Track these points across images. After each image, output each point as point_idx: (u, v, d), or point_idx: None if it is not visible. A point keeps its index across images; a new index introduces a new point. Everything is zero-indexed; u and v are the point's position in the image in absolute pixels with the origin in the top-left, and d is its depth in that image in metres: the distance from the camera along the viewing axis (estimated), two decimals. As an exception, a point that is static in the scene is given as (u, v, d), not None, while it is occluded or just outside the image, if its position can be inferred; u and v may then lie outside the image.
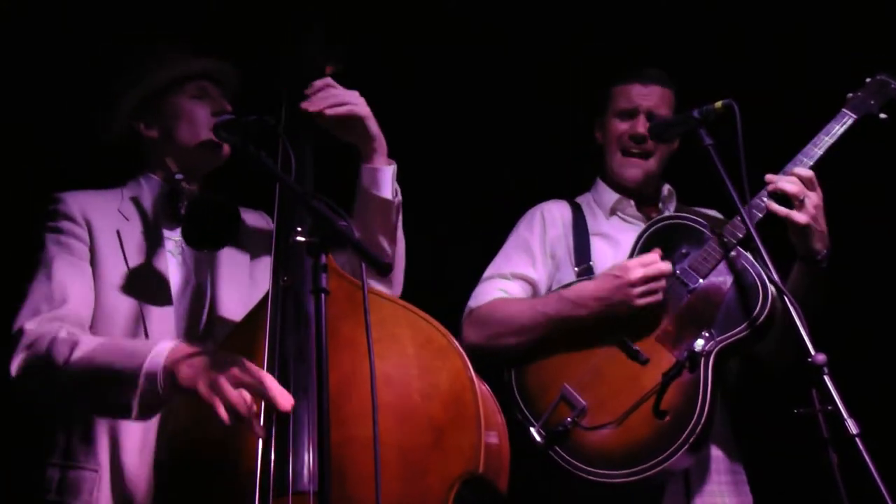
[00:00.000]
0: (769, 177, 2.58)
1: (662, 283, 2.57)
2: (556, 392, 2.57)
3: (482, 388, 1.99)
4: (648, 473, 2.43)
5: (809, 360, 2.14)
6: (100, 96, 2.52)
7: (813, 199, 2.53)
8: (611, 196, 2.99)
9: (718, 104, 2.53)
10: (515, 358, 2.68)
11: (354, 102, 2.26)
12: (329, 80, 2.29)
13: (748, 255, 2.60)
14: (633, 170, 2.93)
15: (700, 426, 2.44)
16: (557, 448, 2.50)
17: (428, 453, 1.90)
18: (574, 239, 2.90)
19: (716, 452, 2.67)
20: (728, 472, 2.67)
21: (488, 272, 2.89)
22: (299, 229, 2.07)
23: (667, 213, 2.90)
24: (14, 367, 2.07)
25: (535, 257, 2.88)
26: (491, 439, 1.95)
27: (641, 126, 2.90)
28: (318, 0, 2.43)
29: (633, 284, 2.55)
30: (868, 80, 2.73)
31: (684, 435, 2.43)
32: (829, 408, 2.09)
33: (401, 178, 2.35)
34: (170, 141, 2.44)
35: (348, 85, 2.30)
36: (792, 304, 2.23)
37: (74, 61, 3.12)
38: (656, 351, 2.57)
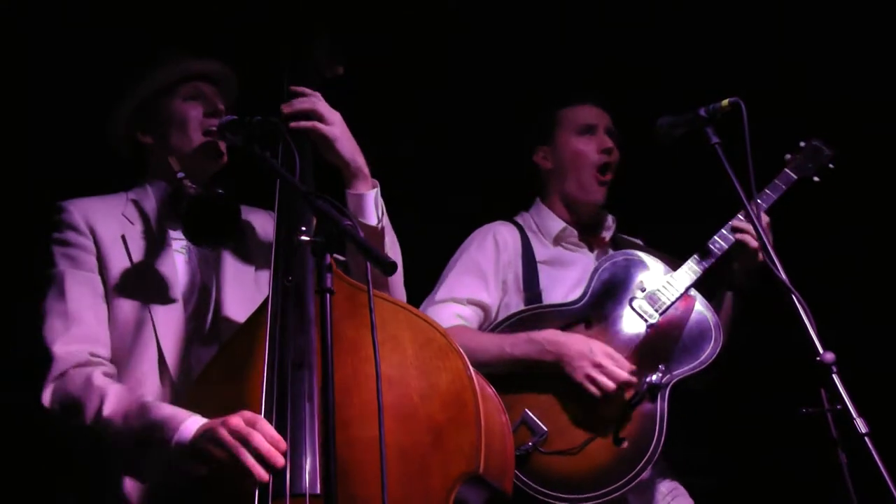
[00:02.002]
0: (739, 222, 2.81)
1: (611, 385, 2.60)
2: (516, 416, 2.60)
3: (486, 388, 1.99)
4: (608, 498, 2.53)
5: (818, 359, 2.13)
6: (100, 105, 2.52)
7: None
8: (555, 224, 3.01)
9: (725, 102, 2.52)
10: None
11: (325, 122, 2.22)
12: (318, 94, 2.26)
13: (699, 295, 2.79)
14: (599, 192, 2.98)
15: (658, 453, 2.57)
16: (518, 472, 2.51)
17: (428, 454, 1.89)
18: (523, 266, 2.92)
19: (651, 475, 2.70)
20: (666, 493, 2.76)
21: (441, 294, 2.87)
22: (304, 229, 2.05)
23: (619, 249, 2.97)
24: (47, 398, 2.09)
25: (488, 281, 2.88)
26: (493, 440, 1.94)
27: (608, 141, 2.98)
28: (321, 3, 2.43)
29: (595, 367, 2.60)
30: (802, 143, 3.00)
31: (643, 461, 2.55)
32: (839, 407, 2.08)
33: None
34: (165, 145, 2.43)
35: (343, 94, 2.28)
36: (800, 302, 2.23)
37: (75, 65, 3.11)
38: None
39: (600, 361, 2.60)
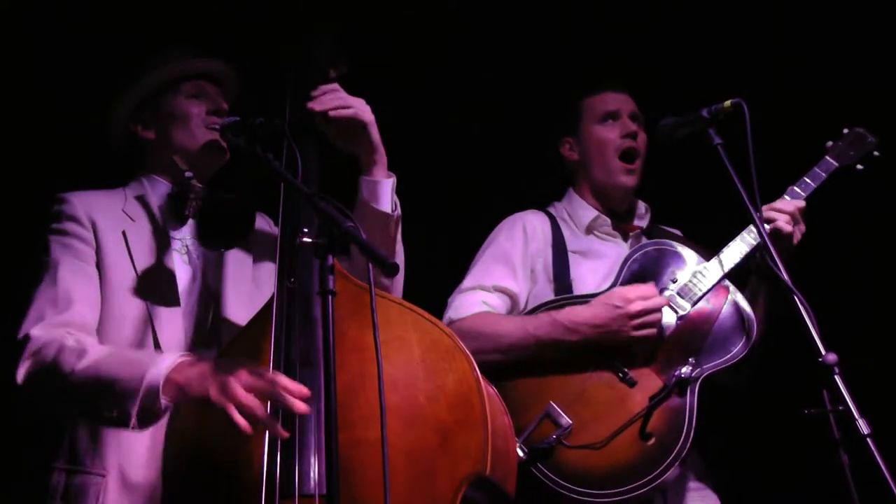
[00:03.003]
0: (777, 205, 2.72)
1: (659, 316, 2.59)
2: (540, 408, 2.56)
3: (489, 389, 1.99)
4: (632, 495, 2.46)
5: (820, 360, 2.13)
6: (99, 98, 2.52)
7: (802, 229, 2.73)
8: (587, 213, 2.97)
9: (727, 103, 2.51)
10: (499, 371, 2.61)
11: (359, 108, 2.24)
12: (336, 85, 2.27)
13: (734, 287, 2.69)
14: (629, 178, 2.93)
15: (685, 450, 2.49)
16: (540, 465, 2.50)
17: (434, 455, 1.89)
18: (553, 255, 2.88)
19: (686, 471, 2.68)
20: (696, 479, 2.71)
21: (468, 282, 2.85)
22: (306, 230, 2.05)
23: (641, 233, 2.93)
24: (21, 374, 2.05)
25: (517, 270, 2.85)
26: (498, 441, 1.94)
27: (632, 125, 2.93)
28: (325, 4, 2.43)
29: (632, 316, 2.57)
30: (846, 131, 2.90)
31: (669, 458, 2.48)
32: (841, 408, 2.08)
33: (402, 182, 2.34)
34: (167, 142, 2.43)
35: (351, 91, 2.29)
36: (803, 304, 2.23)
37: (75, 65, 3.11)
38: (644, 374, 2.60)
39: (634, 309, 2.56)
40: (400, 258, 2.37)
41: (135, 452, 2.14)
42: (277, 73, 2.38)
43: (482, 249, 2.93)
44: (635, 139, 2.93)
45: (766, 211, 2.70)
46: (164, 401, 1.91)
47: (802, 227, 2.74)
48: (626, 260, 2.77)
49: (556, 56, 3.68)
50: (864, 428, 2.04)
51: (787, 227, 2.68)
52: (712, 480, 2.75)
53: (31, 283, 2.20)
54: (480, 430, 1.89)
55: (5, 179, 3.12)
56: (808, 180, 2.81)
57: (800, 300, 2.24)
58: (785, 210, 2.71)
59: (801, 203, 2.75)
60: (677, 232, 2.97)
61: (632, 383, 2.58)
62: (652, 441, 2.50)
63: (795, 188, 2.80)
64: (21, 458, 2.50)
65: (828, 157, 2.85)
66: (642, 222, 2.99)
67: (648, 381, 2.58)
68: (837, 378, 2.10)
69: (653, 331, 2.58)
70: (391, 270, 1.78)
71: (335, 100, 2.23)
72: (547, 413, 2.55)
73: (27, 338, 2.09)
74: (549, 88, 3.66)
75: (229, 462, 1.93)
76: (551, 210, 3.03)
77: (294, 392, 1.85)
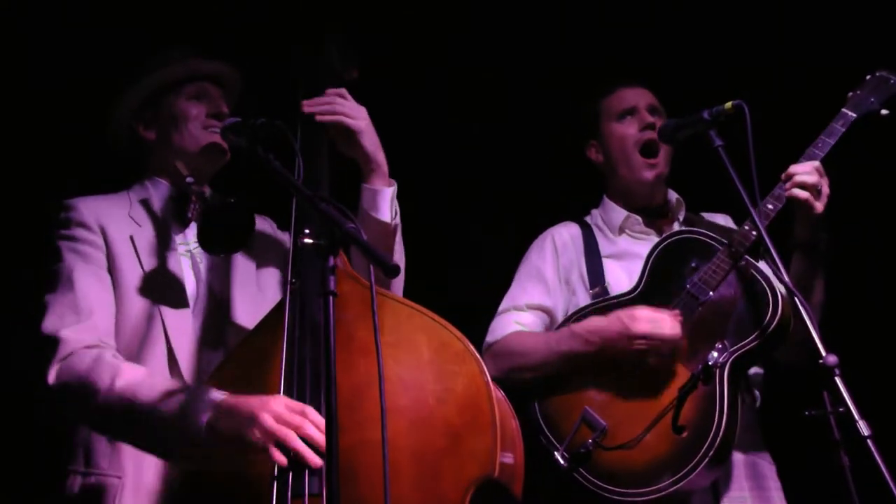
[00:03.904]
0: (791, 169, 2.57)
1: (660, 343, 2.54)
2: (577, 415, 2.57)
3: (498, 393, 1.99)
4: (670, 490, 2.42)
5: (821, 361, 2.13)
6: (100, 98, 2.52)
7: (825, 188, 2.56)
8: (619, 214, 2.95)
9: (728, 105, 2.51)
10: (538, 386, 2.68)
11: (350, 115, 2.24)
12: (343, 90, 2.28)
13: (756, 263, 2.61)
14: (649, 172, 2.88)
15: (719, 438, 2.43)
16: (582, 470, 2.50)
17: (443, 458, 1.89)
18: (587, 262, 2.87)
19: (739, 457, 2.63)
20: (752, 478, 2.64)
21: (504, 305, 2.88)
22: (307, 231, 2.05)
23: (676, 228, 2.89)
24: (52, 376, 2.04)
25: (549, 285, 2.86)
26: (506, 444, 1.94)
27: (649, 117, 2.90)
28: (326, 4, 2.43)
29: (634, 337, 2.55)
30: (867, 76, 2.74)
31: (703, 449, 2.42)
32: (841, 409, 2.08)
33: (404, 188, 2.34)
34: (167, 143, 2.43)
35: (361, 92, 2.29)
36: (803, 305, 2.23)
37: (75, 61, 3.11)
38: (672, 366, 2.57)
39: (638, 331, 2.54)
40: (400, 261, 2.37)
41: (149, 455, 2.13)
42: (286, 74, 2.38)
43: (517, 270, 2.95)
44: (654, 129, 2.88)
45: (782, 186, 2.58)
46: (203, 444, 1.91)
47: (825, 189, 2.55)
48: (648, 256, 2.75)
49: (557, 56, 3.68)
50: (864, 429, 2.05)
51: (801, 193, 2.53)
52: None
53: (43, 291, 2.20)
54: (489, 432, 1.89)
55: (5, 180, 3.12)
56: (825, 138, 2.62)
57: (800, 301, 2.24)
58: (796, 173, 2.55)
59: (814, 163, 2.56)
60: (720, 217, 2.94)
61: (662, 376, 2.55)
62: (685, 433, 2.46)
63: (813, 149, 2.62)
64: (36, 461, 2.50)
65: (845, 110, 2.65)
66: (678, 214, 2.96)
67: (676, 373, 2.55)
68: (838, 379, 2.10)
69: (656, 356, 2.55)
70: (392, 272, 1.79)
71: (326, 104, 2.25)
72: (583, 418, 2.56)
73: (57, 339, 2.08)
74: (549, 88, 3.67)
75: (238, 465, 1.93)
76: (588, 219, 3.03)
77: (322, 427, 1.86)
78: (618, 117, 2.95)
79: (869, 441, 2.03)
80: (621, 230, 2.95)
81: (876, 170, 3.33)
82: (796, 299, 2.25)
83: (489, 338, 2.81)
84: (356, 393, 1.90)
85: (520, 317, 2.82)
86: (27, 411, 2.36)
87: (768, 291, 2.53)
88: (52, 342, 2.08)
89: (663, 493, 2.42)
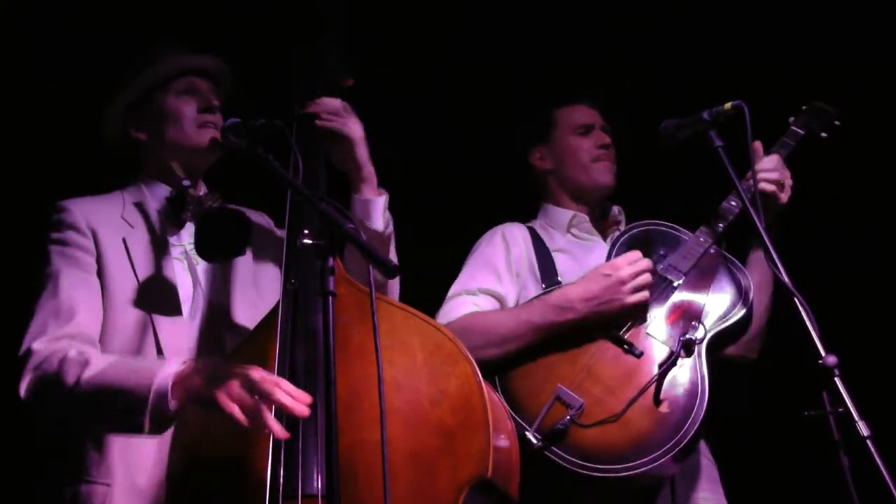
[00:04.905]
0: (758, 166, 2.69)
1: (650, 278, 2.59)
2: (549, 394, 2.52)
3: (492, 395, 2.00)
4: (657, 463, 2.40)
5: (820, 361, 2.13)
6: (99, 98, 2.51)
7: (789, 181, 2.73)
8: (565, 214, 2.99)
9: (728, 105, 2.52)
10: (499, 366, 2.61)
11: (346, 122, 2.26)
12: (340, 101, 2.30)
13: (723, 250, 2.71)
14: (608, 175, 2.96)
15: (703, 411, 2.45)
16: (555, 448, 2.45)
17: (437, 458, 1.90)
18: (537, 257, 2.87)
19: (703, 461, 2.68)
20: (711, 481, 2.69)
21: (453, 290, 2.82)
22: (306, 232, 2.05)
23: (639, 222, 2.89)
24: (24, 388, 2.05)
25: (501, 274, 2.84)
26: (500, 444, 1.95)
27: (607, 137, 2.99)
28: (336, 8, 2.43)
29: (624, 282, 2.55)
30: (805, 107, 2.94)
31: (687, 424, 2.44)
32: (841, 410, 2.08)
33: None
34: (160, 141, 2.42)
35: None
36: (802, 305, 2.23)
37: (75, 65, 3.11)
38: (649, 345, 2.58)
39: (626, 275, 2.56)
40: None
41: (141, 460, 2.13)
42: (285, 74, 2.38)
43: (466, 261, 2.93)
44: (608, 149, 2.99)
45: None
46: (173, 404, 1.91)
47: (789, 182, 2.74)
48: (614, 243, 2.77)
49: (557, 56, 3.68)
50: (864, 430, 2.04)
51: (768, 187, 2.68)
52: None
53: (33, 295, 2.19)
54: (482, 432, 1.90)
55: (5, 180, 3.12)
56: (780, 146, 2.85)
57: (800, 301, 2.24)
58: (763, 169, 2.70)
59: (776, 157, 2.75)
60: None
61: (638, 354, 2.56)
62: (667, 409, 2.47)
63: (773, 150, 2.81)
64: (28, 474, 2.51)
65: (793, 128, 2.89)
66: (619, 224, 3.01)
67: (655, 351, 2.56)
68: (837, 380, 2.10)
69: (646, 294, 2.57)
70: (392, 272, 1.79)
71: (329, 103, 2.28)
72: (557, 396, 2.51)
73: (29, 352, 2.08)
74: (549, 88, 3.66)
75: (233, 464, 1.94)
76: (531, 224, 3.04)
77: (297, 397, 1.85)
78: (574, 130, 3.01)
79: (868, 441, 2.03)
80: (569, 228, 2.97)
81: (876, 171, 3.32)
82: (795, 299, 2.24)
83: (441, 320, 2.71)
84: (353, 395, 1.91)
85: (475, 299, 2.77)
86: (20, 423, 2.35)
87: (737, 272, 2.66)
88: (25, 356, 2.08)
89: (639, 471, 2.40)
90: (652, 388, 2.49)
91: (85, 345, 2.11)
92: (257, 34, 3.01)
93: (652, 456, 2.41)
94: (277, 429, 1.83)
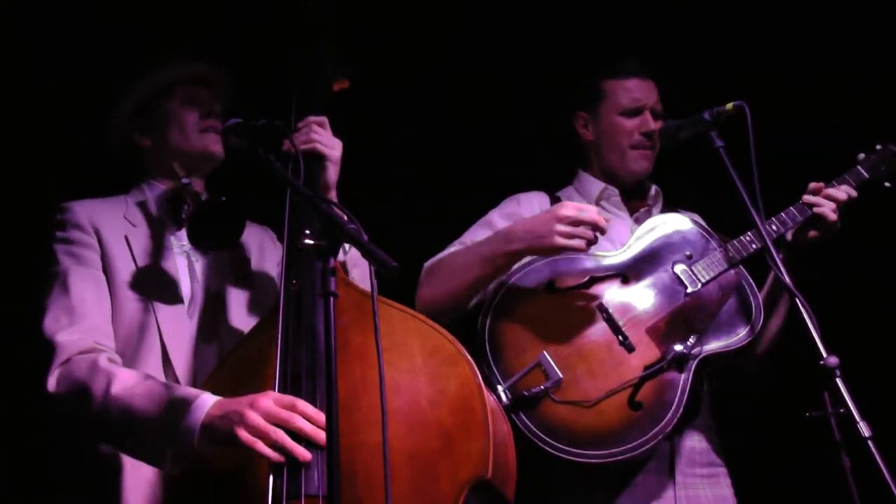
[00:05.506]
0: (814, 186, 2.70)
1: (589, 233, 2.50)
2: (532, 356, 2.51)
3: (490, 397, 1.99)
4: (610, 460, 2.41)
5: (822, 362, 2.13)
6: (99, 98, 2.52)
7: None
8: (596, 185, 2.94)
9: (729, 106, 2.52)
10: (493, 307, 2.59)
11: (325, 143, 2.27)
12: (323, 119, 2.31)
13: (748, 276, 2.67)
14: (644, 162, 2.90)
15: (671, 426, 2.45)
16: (522, 414, 2.43)
17: (437, 459, 1.90)
18: None
19: (700, 445, 2.66)
20: (706, 465, 2.66)
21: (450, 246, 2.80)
22: (307, 232, 2.05)
23: (655, 215, 2.88)
24: (51, 383, 2.06)
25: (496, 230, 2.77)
26: (498, 445, 1.95)
27: (653, 123, 2.88)
28: (331, 10, 2.43)
29: (560, 221, 2.49)
30: (879, 146, 2.86)
31: (654, 431, 2.43)
32: (842, 410, 2.08)
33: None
34: (164, 146, 2.45)
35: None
36: (804, 307, 2.23)
37: (75, 61, 3.11)
38: (644, 342, 2.56)
39: (563, 213, 2.48)
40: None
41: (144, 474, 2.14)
42: (285, 74, 2.39)
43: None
44: (651, 138, 2.89)
45: (807, 198, 2.68)
46: (197, 447, 1.91)
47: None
48: (643, 227, 2.75)
49: (557, 56, 3.68)
50: (865, 431, 2.05)
51: (833, 216, 2.66)
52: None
53: (39, 294, 2.21)
54: (482, 434, 1.90)
55: (5, 180, 3.12)
56: (848, 177, 2.79)
57: (801, 303, 2.24)
58: (837, 197, 2.68)
59: (854, 193, 2.72)
60: (696, 216, 2.92)
61: (630, 348, 2.54)
62: (640, 411, 2.46)
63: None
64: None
65: (859, 167, 2.82)
66: (654, 204, 2.95)
67: (647, 350, 2.54)
68: (839, 381, 2.11)
69: (578, 243, 2.49)
70: (393, 273, 1.79)
71: (304, 133, 2.28)
72: (539, 362, 2.49)
73: (54, 345, 2.10)
74: (549, 88, 3.66)
75: (236, 464, 1.93)
76: (559, 193, 2.99)
77: (314, 418, 1.87)
78: (622, 112, 2.91)
79: (869, 442, 2.04)
80: (598, 201, 2.92)
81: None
82: (798, 301, 2.25)
83: (425, 263, 2.73)
84: (352, 396, 1.92)
85: (461, 248, 2.73)
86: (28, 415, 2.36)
87: (753, 305, 2.62)
88: (49, 347, 2.10)
89: (601, 461, 2.40)
90: (631, 387, 2.48)
91: (109, 349, 2.14)
92: (257, 35, 3.00)
93: (609, 451, 2.41)
94: (301, 453, 1.85)
